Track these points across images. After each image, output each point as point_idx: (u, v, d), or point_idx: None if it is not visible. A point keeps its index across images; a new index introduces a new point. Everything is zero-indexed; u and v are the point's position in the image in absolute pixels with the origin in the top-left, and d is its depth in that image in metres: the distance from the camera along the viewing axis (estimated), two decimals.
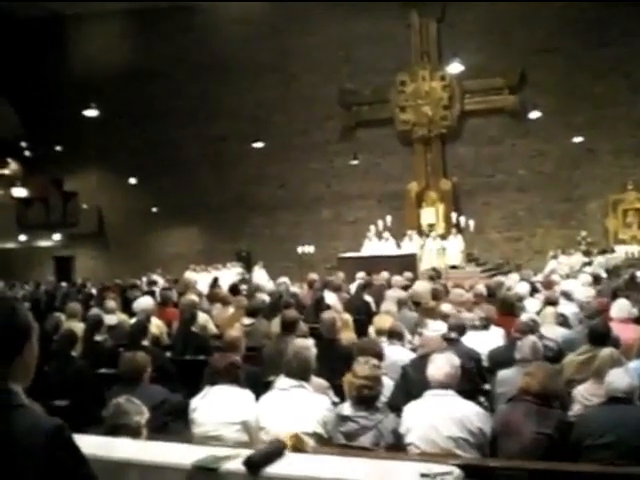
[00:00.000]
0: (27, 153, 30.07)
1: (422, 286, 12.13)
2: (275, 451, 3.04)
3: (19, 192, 28.96)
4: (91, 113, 20.44)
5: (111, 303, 10.95)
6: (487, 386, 6.40)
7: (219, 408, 5.05)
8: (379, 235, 22.76)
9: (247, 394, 5.24)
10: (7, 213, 28.12)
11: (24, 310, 2.25)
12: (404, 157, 26.20)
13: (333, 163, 26.74)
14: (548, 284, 11.95)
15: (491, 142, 25.17)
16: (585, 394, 5.33)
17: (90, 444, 3.10)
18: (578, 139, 23.08)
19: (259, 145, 24.72)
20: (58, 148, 28.49)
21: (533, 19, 23.94)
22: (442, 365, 4.94)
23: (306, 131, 26.99)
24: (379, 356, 5.88)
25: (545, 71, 23.98)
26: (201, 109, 27.76)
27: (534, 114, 22.57)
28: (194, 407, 5.22)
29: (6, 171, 30.83)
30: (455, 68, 19.01)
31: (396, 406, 5.33)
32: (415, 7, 25.48)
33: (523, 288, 11.00)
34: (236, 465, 2.94)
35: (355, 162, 24.94)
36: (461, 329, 7.40)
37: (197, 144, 27.91)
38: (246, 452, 3.07)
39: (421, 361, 5.73)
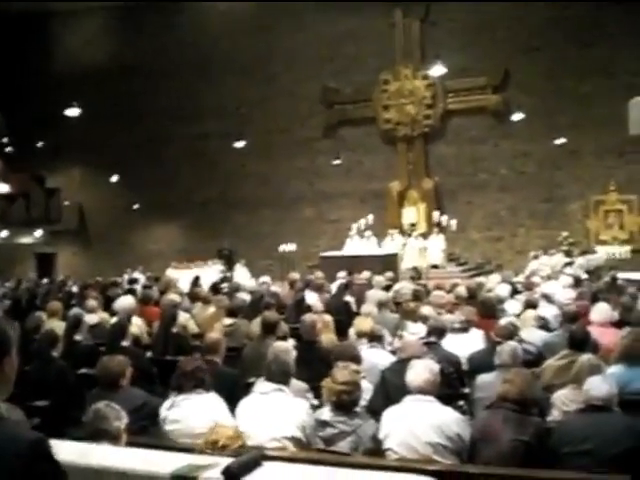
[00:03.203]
0: (9, 149, 29.86)
1: (403, 286, 12.19)
2: (253, 460, 3.05)
3: (1, 188, 28.76)
4: (72, 112, 20.33)
5: (92, 302, 10.91)
6: (466, 390, 6.42)
7: (194, 420, 5.03)
8: (361, 234, 22.79)
9: (214, 398, 5.25)
10: None
11: (3, 323, 2.24)
12: (386, 156, 26.23)
13: (315, 161, 26.72)
14: (529, 285, 12.03)
15: (474, 142, 25.20)
16: (564, 400, 5.36)
17: (69, 451, 3.10)
18: (561, 139, 23.15)
19: (241, 143, 24.67)
20: (40, 144, 28.31)
21: (517, 19, 23.98)
22: (421, 371, 4.96)
23: (289, 129, 26.96)
24: (356, 360, 5.90)
25: (529, 71, 24.03)
26: (184, 106, 27.67)
27: (517, 114, 22.65)
28: (163, 417, 5.21)
29: None
30: (437, 71, 19.05)
31: (375, 410, 5.36)
32: (399, 6, 25.48)
33: (504, 290, 11.05)
34: (215, 474, 2.94)
35: (337, 162, 24.98)
36: (441, 332, 7.42)
37: (179, 141, 27.83)
38: (225, 461, 3.08)
39: (400, 366, 5.74)
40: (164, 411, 5.24)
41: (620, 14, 22.53)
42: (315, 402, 5.76)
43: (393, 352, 7.21)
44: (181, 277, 19.43)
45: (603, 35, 22.91)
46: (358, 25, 25.47)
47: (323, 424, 4.98)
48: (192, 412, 5.10)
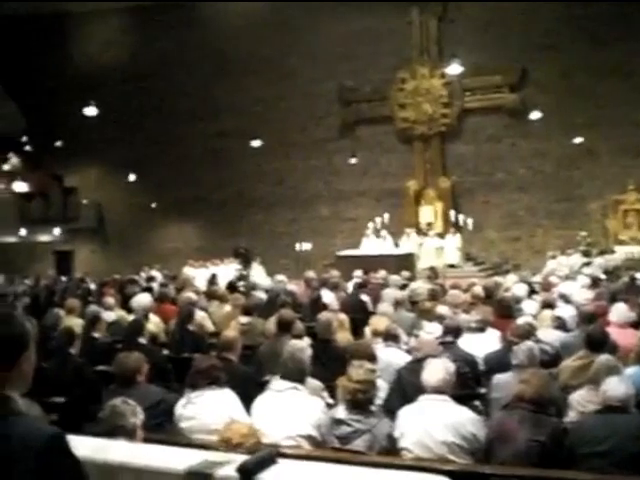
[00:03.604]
0: (28, 148, 30.08)
1: (419, 286, 12.16)
2: (268, 458, 3.06)
3: (20, 187, 28.96)
4: (91, 112, 20.46)
5: (109, 299, 10.99)
6: (483, 390, 6.40)
7: (207, 416, 5.05)
8: (377, 233, 22.78)
9: (228, 394, 5.26)
10: (8, 207, 28.10)
11: (22, 319, 2.26)
12: (403, 155, 26.18)
13: (332, 160, 26.70)
14: (546, 285, 11.96)
15: (491, 140, 25.13)
16: (581, 400, 5.33)
17: (85, 446, 3.11)
18: (579, 139, 23.04)
19: (258, 141, 24.69)
20: (58, 143, 28.48)
21: (535, 16, 23.88)
22: (437, 371, 4.96)
23: (305, 128, 26.98)
24: (372, 358, 5.89)
25: (546, 69, 23.93)
26: (200, 105, 27.76)
27: (534, 113, 22.54)
28: (178, 415, 5.23)
29: (7, 166, 30.86)
30: (454, 69, 18.96)
31: (391, 409, 5.35)
32: (416, 4, 25.42)
33: (521, 290, 10.99)
34: (230, 471, 2.95)
35: (354, 161, 24.96)
36: (457, 331, 7.39)
37: (196, 140, 27.90)
38: (240, 458, 3.08)
39: (416, 365, 5.74)
40: (179, 409, 5.26)
41: (638, 12, 22.37)
42: (330, 400, 5.75)
43: (409, 351, 7.20)
44: (198, 275, 19.52)
45: (621, 34, 22.76)
46: (375, 23, 25.43)
47: (338, 422, 4.97)
48: (206, 408, 5.11)
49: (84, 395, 6.45)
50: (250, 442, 3.88)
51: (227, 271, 21.37)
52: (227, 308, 10.96)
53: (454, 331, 7.34)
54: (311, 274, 14.38)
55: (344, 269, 16.42)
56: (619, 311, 8.03)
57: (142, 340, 7.69)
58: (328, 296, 11.73)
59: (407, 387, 5.75)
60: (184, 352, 8.45)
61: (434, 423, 4.72)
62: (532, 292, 11.60)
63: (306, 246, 24.27)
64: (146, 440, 4.13)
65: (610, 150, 23.36)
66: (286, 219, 27.06)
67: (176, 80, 27.88)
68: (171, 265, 24.15)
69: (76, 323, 9.01)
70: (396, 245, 22.51)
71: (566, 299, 10.14)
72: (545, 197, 24.39)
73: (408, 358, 6.69)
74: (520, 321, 7.44)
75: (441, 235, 23.38)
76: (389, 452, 4.83)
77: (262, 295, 12.09)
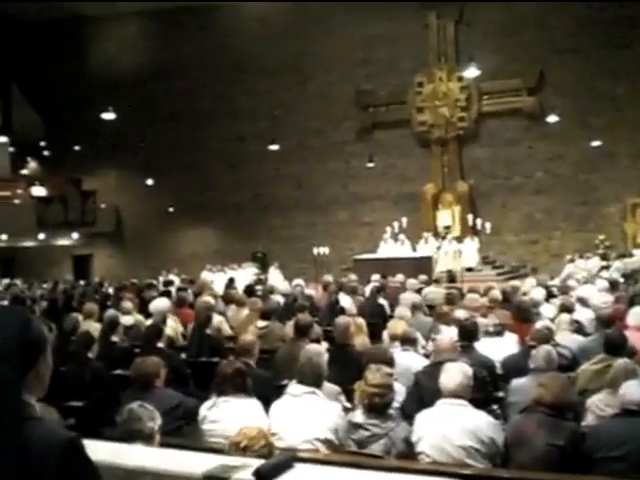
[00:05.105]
0: (46, 152, 30.27)
1: (437, 290, 12.14)
2: (285, 462, 3.06)
3: (38, 191, 29.13)
4: (109, 116, 20.61)
5: (127, 304, 11.00)
6: (500, 394, 6.38)
7: (229, 422, 5.04)
8: (395, 237, 22.76)
9: (254, 404, 5.24)
10: (27, 212, 28.24)
11: (38, 322, 2.26)
12: (421, 158, 26.15)
13: (350, 164, 26.74)
14: (564, 289, 11.89)
15: (509, 144, 25.05)
16: (599, 404, 5.29)
17: (102, 450, 3.12)
18: (597, 142, 22.93)
19: (276, 145, 24.75)
20: (77, 148, 28.66)
21: (552, 19, 23.83)
22: (454, 375, 4.94)
23: (323, 132, 27.01)
24: (389, 362, 5.87)
25: (564, 72, 23.84)
26: (219, 109, 27.87)
27: (552, 116, 22.45)
28: (202, 417, 5.23)
29: (26, 170, 31.09)
30: (472, 73, 18.94)
31: (408, 414, 5.34)
32: (433, 8, 25.42)
33: (539, 294, 10.92)
34: (246, 475, 2.95)
35: (371, 164, 24.95)
36: (474, 335, 7.36)
37: (215, 144, 28.02)
38: (257, 462, 3.08)
39: (434, 369, 5.72)
40: (204, 410, 5.26)
41: None
42: (348, 405, 5.74)
43: (426, 355, 7.19)
44: (215, 279, 19.55)
45: (639, 36, 22.65)
46: (392, 27, 25.45)
47: (356, 426, 4.97)
48: (230, 414, 5.10)
49: (102, 399, 6.47)
50: (259, 445, 3.87)
51: (245, 275, 21.40)
52: (245, 312, 10.95)
53: (471, 335, 7.30)
54: (329, 278, 14.38)
55: (362, 273, 16.44)
56: (637, 314, 7.97)
57: (160, 344, 7.68)
58: (346, 300, 11.70)
59: (424, 391, 5.73)
60: (202, 356, 8.47)
61: (452, 427, 4.71)
62: (550, 296, 11.53)
63: (324, 250, 24.25)
64: (163, 444, 4.13)
65: (629, 153, 23.25)
66: (304, 223, 27.08)
67: (194, 84, 28.01)
68: (189, 269, 24.22)
69: (94, 327, 9.03)
70: (414, 249, 22.50)
71: (584, 303, 10.06)
72: (563, 200, 24.28)
73: (425, 362, 6.68)
74: (538, 325, 7.40)
75: (459, 239, 23.28)
76: (406, 456, 4.82)
77: (280, 299, 12.11)
